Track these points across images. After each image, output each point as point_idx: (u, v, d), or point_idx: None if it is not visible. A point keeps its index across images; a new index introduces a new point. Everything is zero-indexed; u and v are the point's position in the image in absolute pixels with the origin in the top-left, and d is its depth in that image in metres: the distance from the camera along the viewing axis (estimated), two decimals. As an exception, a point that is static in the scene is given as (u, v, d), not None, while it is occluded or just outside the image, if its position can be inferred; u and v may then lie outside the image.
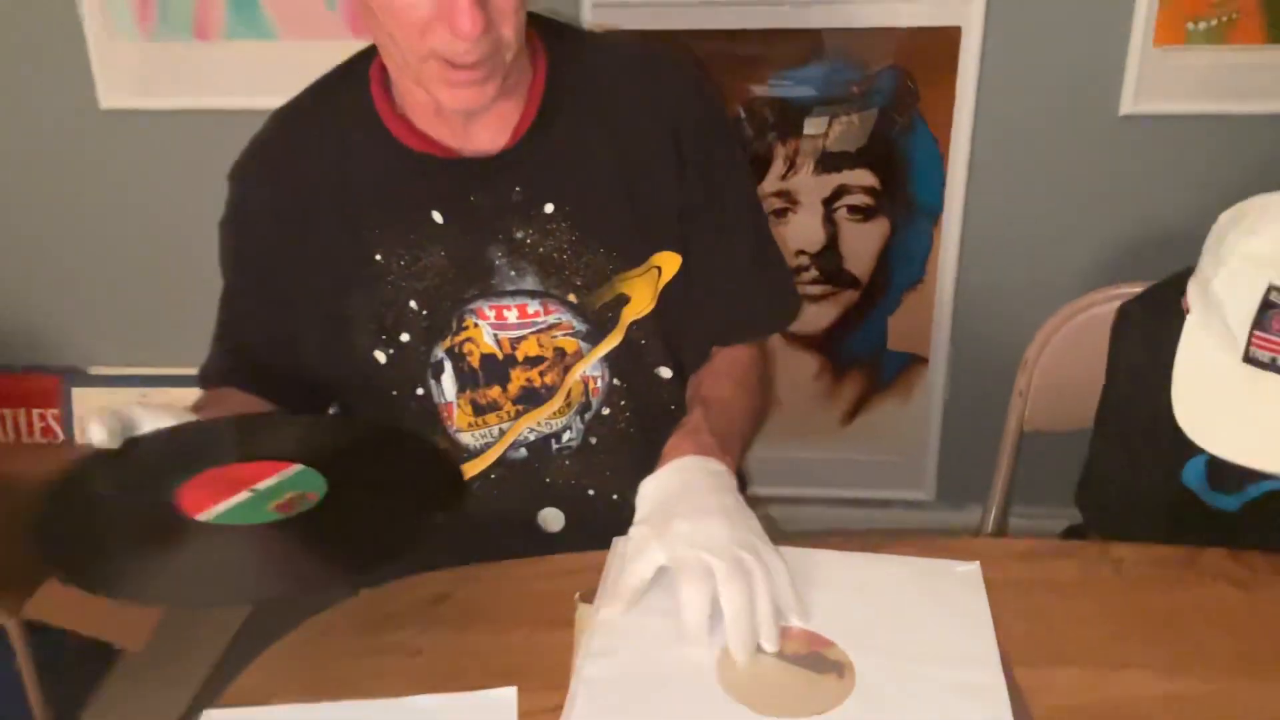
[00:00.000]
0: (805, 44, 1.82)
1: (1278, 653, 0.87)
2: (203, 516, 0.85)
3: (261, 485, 0.89)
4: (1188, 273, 1.05)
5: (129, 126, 1.97)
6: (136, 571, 0.82)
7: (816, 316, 2.03)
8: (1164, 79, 1.80)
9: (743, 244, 1.17)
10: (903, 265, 1.98)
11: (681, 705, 0.81)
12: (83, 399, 2.20)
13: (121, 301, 2.14)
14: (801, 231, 1.96)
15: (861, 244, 1.97)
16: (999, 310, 1.94)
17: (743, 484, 1.04)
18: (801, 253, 1.98)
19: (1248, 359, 0.91)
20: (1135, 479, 1.14)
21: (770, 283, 1.22)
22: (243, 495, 0.87)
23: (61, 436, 2.23)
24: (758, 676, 0.83)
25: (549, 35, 1.10)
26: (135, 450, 0.93)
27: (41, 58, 1.94)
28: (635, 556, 0.89)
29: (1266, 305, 0.89)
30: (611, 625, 0.88)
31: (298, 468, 0.92)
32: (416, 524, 0.88)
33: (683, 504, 0.91)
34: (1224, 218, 0.98)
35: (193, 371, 2.14)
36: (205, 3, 1.85)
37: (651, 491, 0.95)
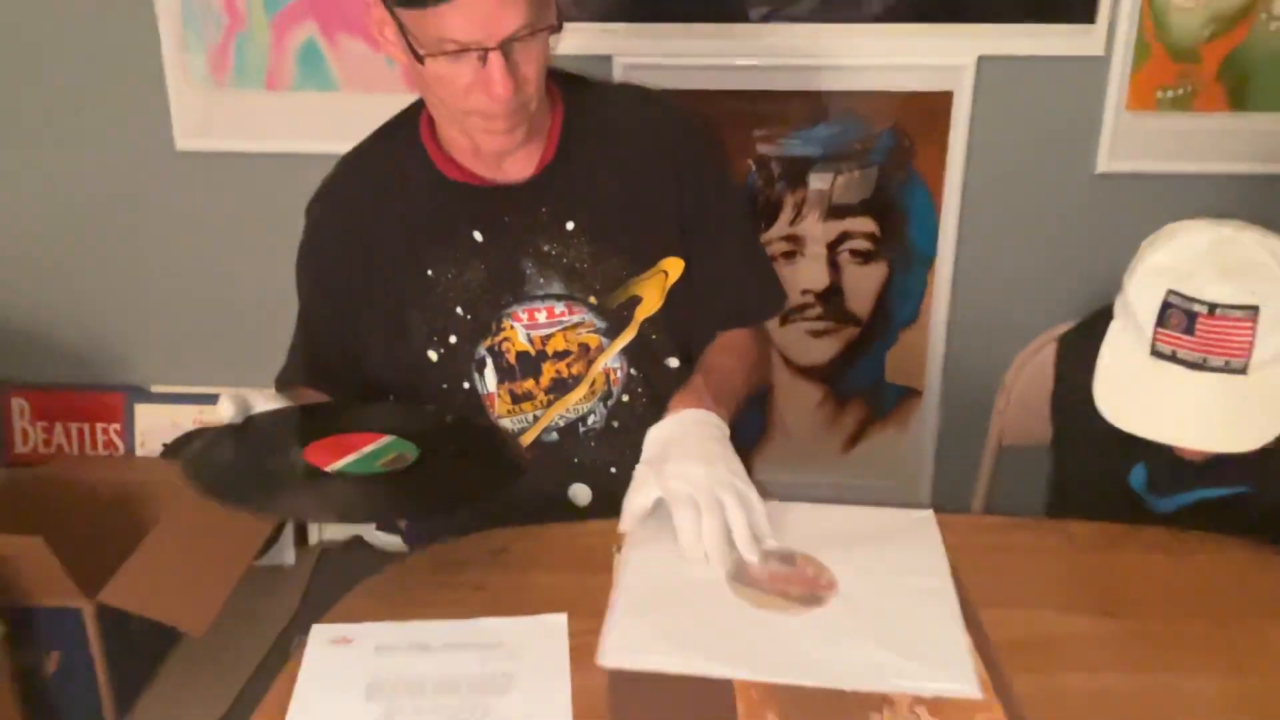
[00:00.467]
0: (813, 105, 2.03)
1: (1197, 603, 1.05)
2: (330, 467, 1.05)
3: (367, 449, 1.09)
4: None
5: (200, 166, 2.16)
6: (291, 500, 1.06)
7: (820, 350, 2.21)
8: (1136, 141, 2.00)
9: (735, 246, 1.39)
10: (899, 305, 2.17)
11: (697, 601, 1.02)
12: (144, 415, 2.37)
13: (183, 325, 2.31)
14: (807, 273, 2.15)
15: (862, 285, 2.15)
16: (987, 347, 2.10)
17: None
18: (807, 292, 2.16)
19: (1153, 353, 1.09)
20: (1088, 486, 1.32)
21: (760, 277, 1.45)
22: (353, 456, 1.08)
23: (122, 449, 2.39)
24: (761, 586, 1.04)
25: (564, 84, 1.32)
26: (257, 423, 1.11)
27: (125, 102, 2.13)
28: (636, 490, 1.11)
29: (1166, 307, 1.08)
30: (642, 549, 1.08)
31: (390, 438, 1.12)
32: (487, 480, 1.10)
33: (677, 448, 1.12)
34: (1144, 242, 1.17)
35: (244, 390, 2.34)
36: (277, 57, 2.06)
37: (654, 436, 1.16)
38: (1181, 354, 1.08)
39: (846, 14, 1.95)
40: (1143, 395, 1.09)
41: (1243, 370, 1.06)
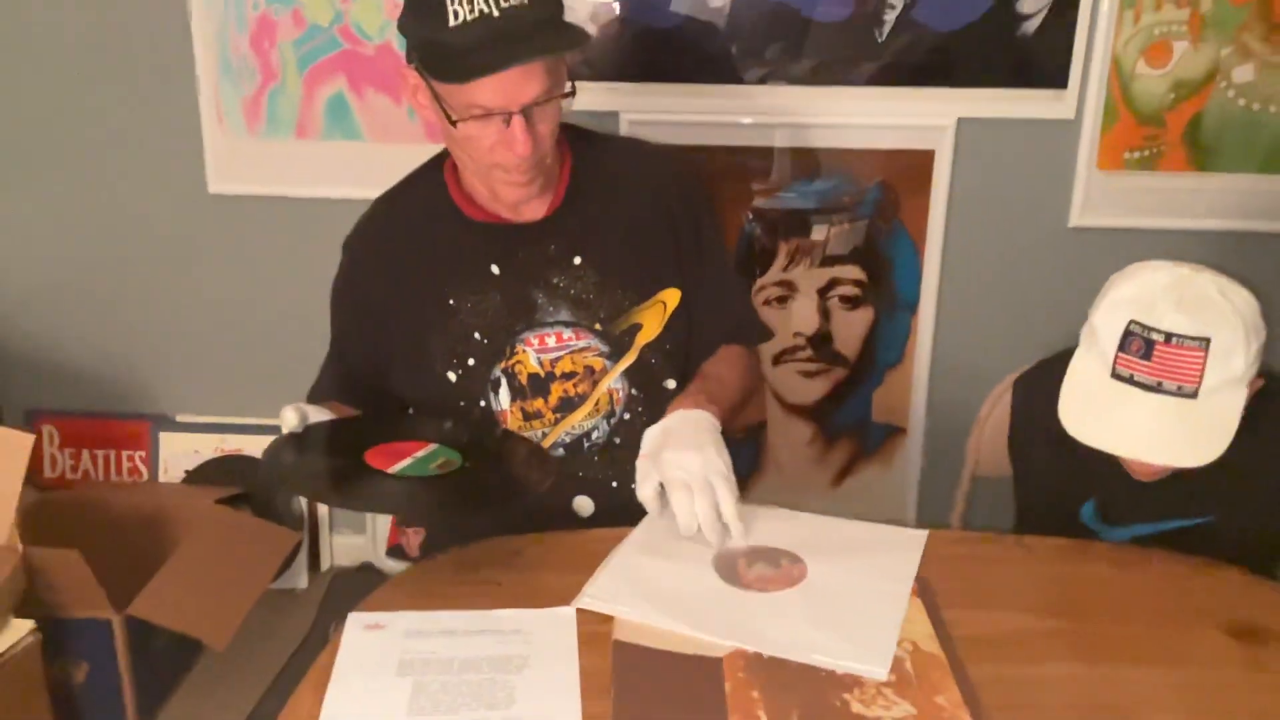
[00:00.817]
0: (806, 161, 2.18)
1: (1136, 607, 1.17)
2: (392, 470, 1.20)
3: (419, 454, 1.25)
4: (1068, 353, 1.35)
5: (231, 209, 2.30)
6: (367, 494, 1.20)
7: (810, 390, 2.34)
8: (1106, 198, 2.15)
9: (724, 279, 1.55)
10: (885, 348, 2.30)
11: (677, 573, 1.17)
12: (168, 443, 2.49)
13: (208, 358, 2.44)
14: (799, 316, 2.28)
15: (850, 329, 2.29)
16: (967, 388, 2.20)
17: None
18: (798, 334, 2.30)
19: (1114, 375, 1.21)
20: (1045, 518, 1.44)
21: (747, 307, 1.63)
22: (408, 460, 1.22)
23: (146, 475, 2.51)
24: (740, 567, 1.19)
25: (572, 137, 1.47)
26: (317, 432, 1.26)
27: (162, 147, 2.27)
28: (641, 483, 1.25)
29: (1127, 334, 1.20)
30: (648, 528, 1.25)
31: (435, 445, 1.27)
32: (527, 481, 1.26)
33: (673, 439, 1.26)
34: (1111, 278, 1.30)
35: (264, 421, 2.47)
36: (307, 108, 2.21)
37: (653, 432, 1.30)
38: (1139, 377, 1.20)
39: (838, 77, 2.10)
40: (1102, 413, 1.21)
41: (1194, 395, 1.18)
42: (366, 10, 2.13)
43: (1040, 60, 2.07)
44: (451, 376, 1.44)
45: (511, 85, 1.25)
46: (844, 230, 2.23)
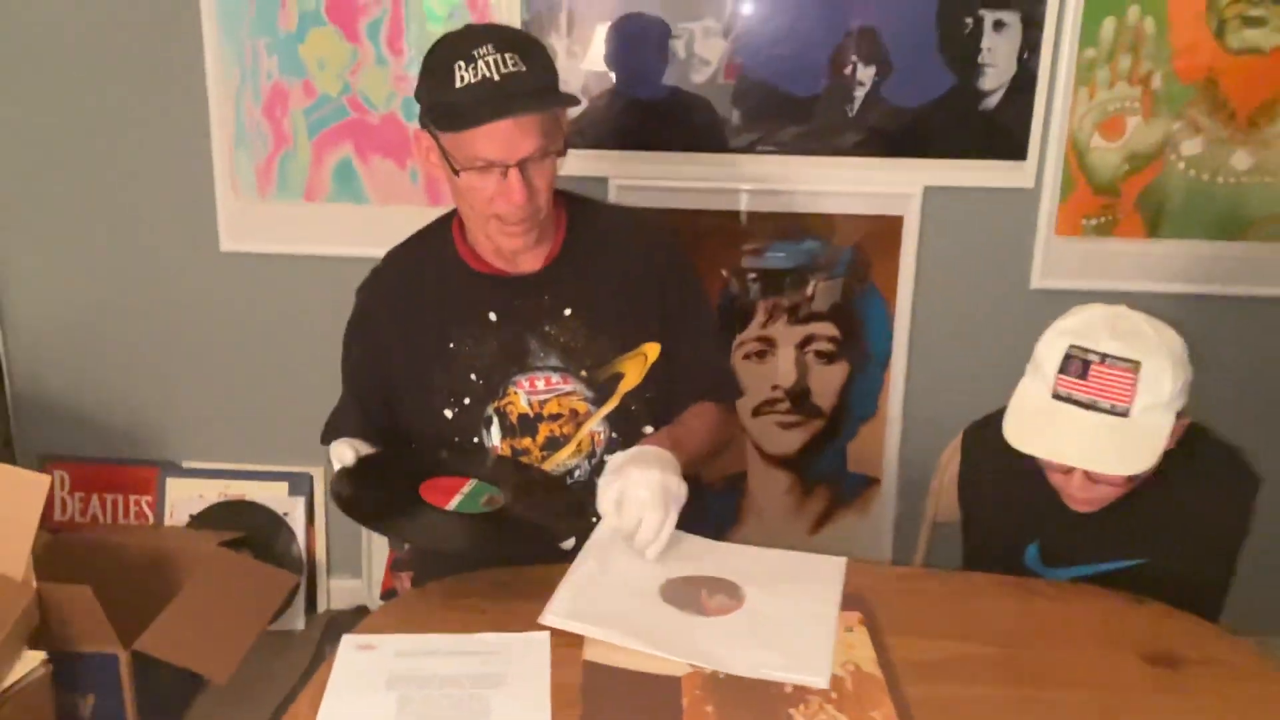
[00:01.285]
0: (784, 225, 2.31)
1: (1066, 636, 1.28)
2: (450, 507, 1.36)
3: (466, 490, 1.41)
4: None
5: (241, 266, 2.44)
6: (433, 530, 1.35)
7: (788, 441, 2.45)
8: (1064, 262, 2.28)
9: (704, 338, 1.66)
10: (859, 401, 2.42)
11: (628, 598, 1.28)
12: (174, 488, 2.60)
13: (215, 407, 2.56)
14: (777, 371, 2.41)
15: (826, 382, 2.41)
16: (938, 439, 2.33)
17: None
18: (777, 387, 2.42)
19: (1054, 395, 1.33)
20: (992, 562, 1.54)
21: (723, 366, 1.74)
22: (460, 497, 1.38)
23: (152, 519, 2.62)
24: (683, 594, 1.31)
25: (569, 201, 1.62)
26: (370, 467, 1.41)
27: (177, 208, 2.42)
28: (602, 491, 1.37)
29: (1067, 358, 1.32)
30: (601, 543, 1.37)
31: (475, 481, 1.42)
32: (571, 513, 1.44)
33: (636, 462, 1.38)
34: (1056, 320, 1.43)
35: (267, 468, 2.58)
36: (316, 174, 2.36)
37: (617, 457, 1.41)
38: (1077, 395, 1.31)
39: (813, 147, 2.24)
40: (1044, 427, 1.33)
41: (1125, 414, 1.29)
42: (373, 82, 2.29)
43: (1001, 133, 2.22)
44: (448, 414, 1.56)
45: (508, 140, 1.40)
46: (820, 289, 2.36)
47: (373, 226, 2.33)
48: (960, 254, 2.31)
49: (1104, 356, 1.30)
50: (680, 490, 1.36)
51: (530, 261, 1.56)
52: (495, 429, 1.56)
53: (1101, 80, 2.19)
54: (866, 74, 2.20)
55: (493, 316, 1.56)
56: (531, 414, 1.55)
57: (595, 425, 1.57)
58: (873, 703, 1.13)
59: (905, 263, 2.32)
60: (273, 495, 2.58)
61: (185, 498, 2.60)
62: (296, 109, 2.31)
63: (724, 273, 2.35)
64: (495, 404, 1.55)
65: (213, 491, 2.59)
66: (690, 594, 1.31)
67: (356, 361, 1.66)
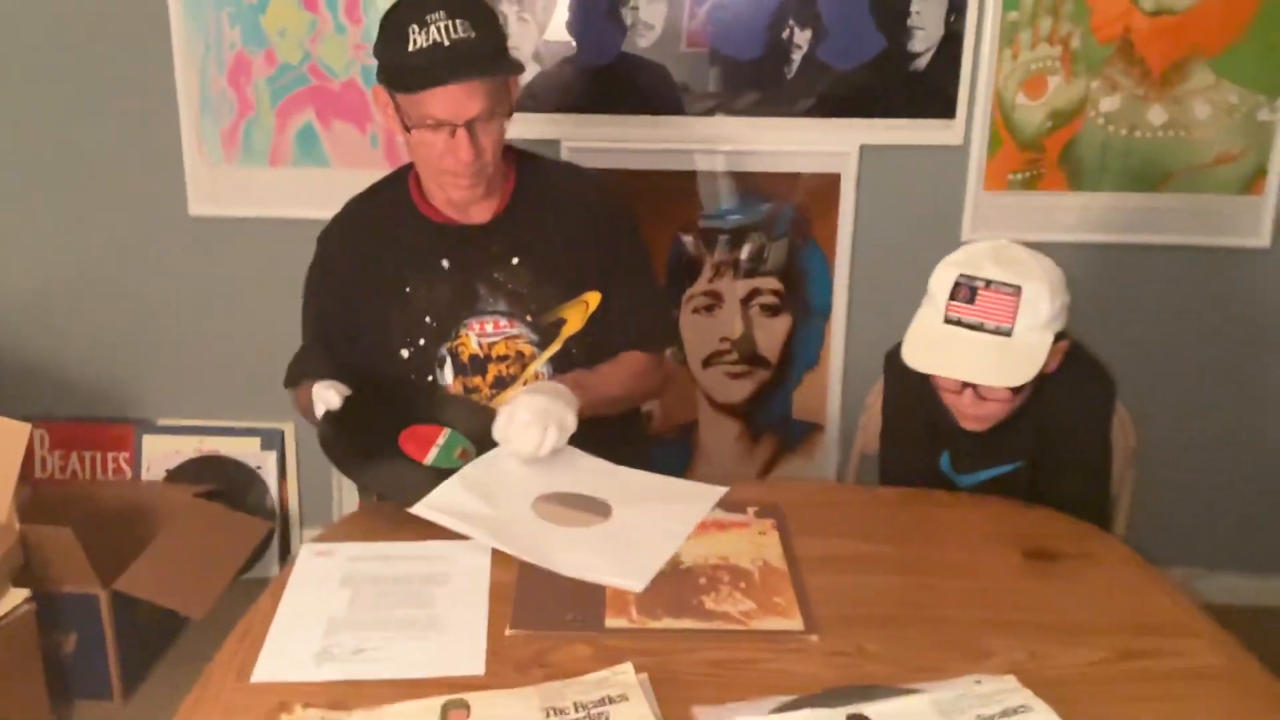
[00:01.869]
0: (728, 184, 2.43)
1: (955, 536, 1.42)
2: (427, 461, 1.47)
3: (440, 442, 1.51)
4: None
5: (210, 229, 2.54)
6: (411, 485, 1.42)
7: (736, 391, 2.58)
8: (992, 215, 2.41)
9: (640, 290, 1.77)
10: (803, 351, 2.55)
11: (500, 504, 1.40)
12: (151, 445, 2.70)
13: (188, 366, 2.66)
14: (724, 324, 2.53)
15: (771, 334, 2.54)
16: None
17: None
18: (724, 339, 2.54)
19: (946, 320, 1.46)
20: (910, 469, 1.69)
21: (658, 316, 1.86)
22: (435, 451, 1.49)
23: (129, 475, 2.72)
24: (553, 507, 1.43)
25: (518, 157, 1.73)
26: (353, 411, 1.50)
27: (147, 173, 2.51)
28: (500, 415, 1.49)
29: (956, 285, 1.46)
30: (484, 462, 1.49)
31: (449, 432, 1.53)
32: None
33: (524, 393, 1.50)
34: None
35: (240, 424, 2.68)
36: (279, 139, 2.46)
37: (517, 393, 1.53)
38: (966, 319, 1.45)
39: (753, 109, 2.36)
40: (937, 347, 1.47)
41: (1009, 334, 1.43)
42: (333, 50, 2.39)
43: (930, 93, 2.34)
44: (404, 353, 1.68)
45: (456, 102, 1.52)
46: (763, 246, 2.48)
47: (335, 189, 2.37)
48: (895, 209, 2.43)
49: (989, 282, 1.43)
50: (566, 418, 1.47)
51: (480, 212, 1.68)
52: (448, 368, 1.68)
53: (1024, 41, 2.31)
54: (803, 37, 2.32)
55: (445, 263, 1.67)
56: (481, 355, 1.67)
57: (539, 366, 1.69)
58: (776, 590, 1.27)
59: (844, 219, 2.44)
60: (245, 450, 2.69)
61: (161, 454, 2.70)
62: (260, 77, 2.41)
63: (673, 231, 2.46)
64: (448, 345, 1.67)
65: (188, 447, 2.70)
66: (558, 509, 1.43)
67: (320, 304, 1.76)
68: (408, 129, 1.56)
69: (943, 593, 1.28)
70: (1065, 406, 1.55)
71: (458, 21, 1.50)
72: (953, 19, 2.30)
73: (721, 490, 1.51)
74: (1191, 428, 2.54)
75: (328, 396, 1.50)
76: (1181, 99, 2.33)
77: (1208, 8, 2.27)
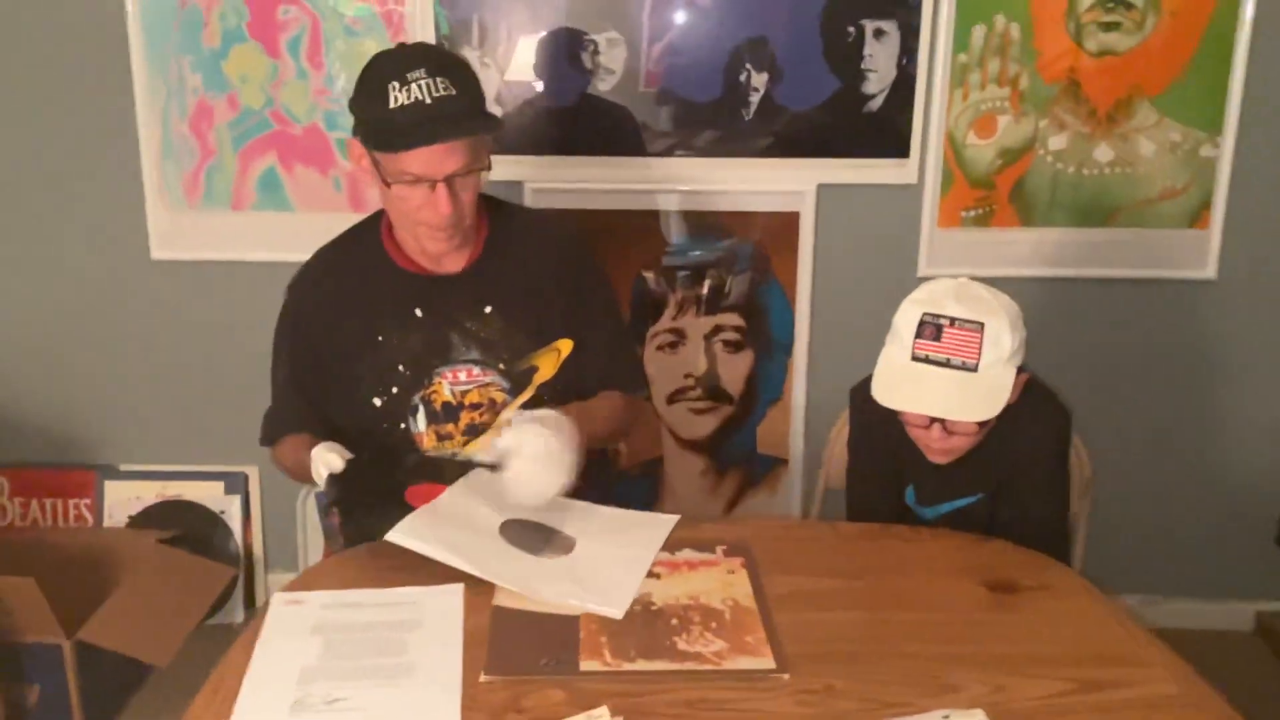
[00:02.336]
0: (689, 223, 2.47)
1: (916, 569, 1.45)
2: None
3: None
4: None
5: (172, 273, 2.54)
6: None
7: (700, 426, 2.61)
8: (947, 251, 2.47)
9: (611, 334, 1.81)
10: (766, 386, 2.59)
11: (470, 532, 1.42)
12: (113, 491, 2.68)
13: (150, 410, 2.65)
14: (688, 360, 2.56)
15: (734, 370, 2.58)
16: (838, 419, 2.51)
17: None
18: (688, 376, 2.58)
19: (913, 358, 1.49)
20: (876, 504, 1.72)
21: (630, 357, 1.89)
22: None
23: (91, 522, 2.70)
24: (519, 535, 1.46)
25: (490, 206, 1.75)
26: (356, 473, 1.50)
27: (108, 218, 2.52)
28: (504, 436, 1.50)
29: (922, 324, 1.50)
30: (472, 483, 1.51)
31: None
32: None
33: (543, 421, 1.50)
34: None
35: (205, 468, 2.67)
36: (241, 184, 2.47)
37: (523, 412, 1.56)
38: (933, 356, 1.49)
39: (713, 150, 2.41)
40: (905, 384, 1.51)
41: (975, 369, 1.48)
42: (295, 95, 2.41)
43: (885, 133, 2.40)
44: (377, 402, 1.68)
45: (436, 158, 1.53)
46: (725, 283, 2.52)
47: (298, 232, 2.43)
48: (853, 246, 2.48)
49: (953, 320, 1.48)
50: (571, 460, 1.48)
51: (453, 262, 1.69)
52: (421, 416, 1.68)
53: (974, 82, 2.38)
54: (760, 80, 2.38)
55: (419, 312, 1.68)
56: (454, 402, 1.68)
57: (511, 414, 1.70)
58: (747, 629, 1.29)
59: (803, 256, 2.49)
60: (209, 494, 2.68)
61: (123, 499, 2.68)
62: (221, 122, 2.42)
63: (636, 270, 2.49)
64: (421, 393, 1.68)
65: (150, 492, 2.68)
66: (525, 536, 1.46)
67: (292, 354, 1.75)
68: (387, 184, 1.57)
69: (908, 627, 1.31)
70: (1023, 437, 1.60)
71: (439, 80, 1.51)
72: (904, 61, 2.36)
73: (673, 519, 1.55)
74: (1143, 456, 2.60)
75: (329, 459, 1.50)
76: (1127, 136, 2.40)
77: (1149, 48, 2.35)
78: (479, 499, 1.50)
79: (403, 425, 1.68)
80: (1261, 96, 2.37)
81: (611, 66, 2.37)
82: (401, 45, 1.67)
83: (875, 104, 2.39)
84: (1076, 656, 1.25)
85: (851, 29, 2.34)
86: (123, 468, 2.68)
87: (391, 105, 1.50)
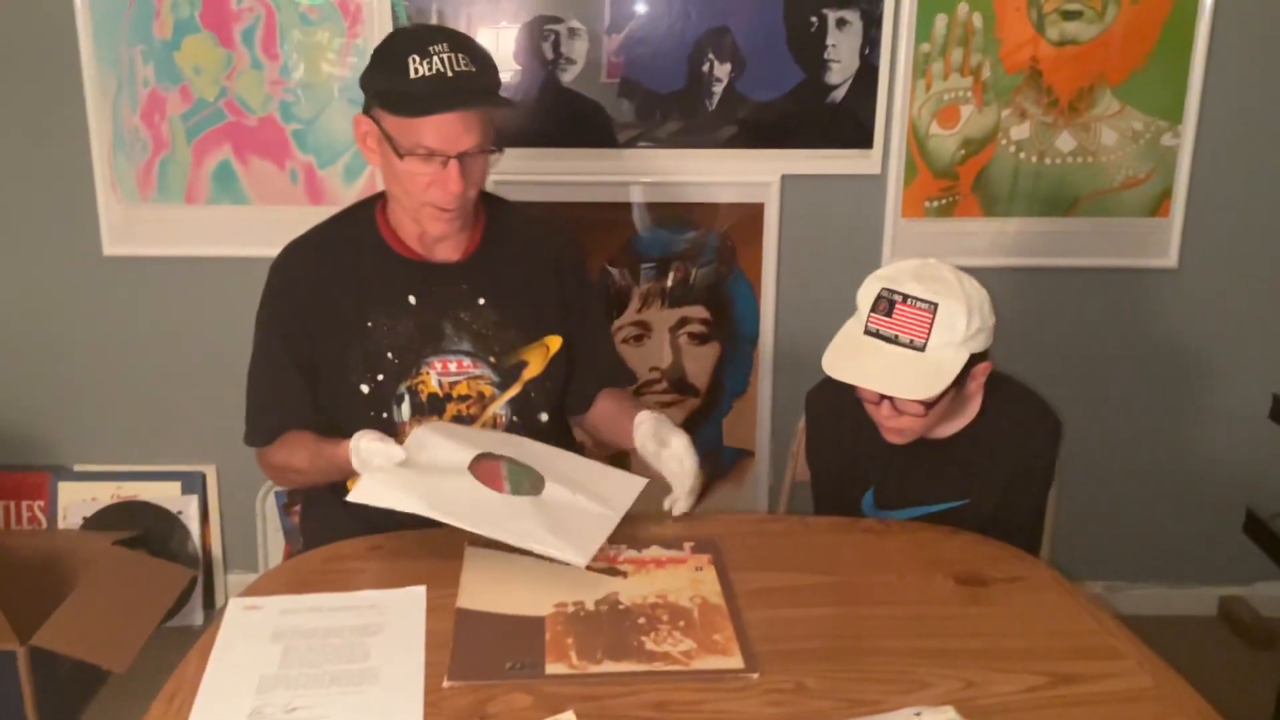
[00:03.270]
0: (655, 214, 2.45)
1: (887, 564, 1.44)
2: (508, 492, 1.43)
3: (505, 473, 1.46)
4: None
5: (125, 269, 2.49)
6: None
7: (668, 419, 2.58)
8: (912, 242, 2.46)
9: (598, 331, 1.82)
10: (732, 379, 2.57)
11: (437, 475, 1.40)
12: (66, 492, 2.62)
13: (104, 409, 2.59)
14: (653, 353, 2.54)
15: (700, 362, 2.56)
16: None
17: None
18: (654, 369, 2.56)
19: (865, 331, 1.50)
20: (835, 507, 1.71)
21: (616, 353, 1.88)
22: (506, 483, 1.44)
23: (45, 524, 2.64)
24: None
25: (488, 200, 1.73)
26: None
27: (59, 214, 2.46)
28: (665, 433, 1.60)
29: (877, 299, 1.49)
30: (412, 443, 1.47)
31: (507, 461, 1.49)
32: None
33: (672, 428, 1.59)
34: None
35: (162, 468, 2.62)
36: (195, 177, 2.42)
37: (652, 422, 1.61)
38: (883, 331, 1.48)
39: (684, 139, 2.38)
40: (853, 357, 1.51)
41: (922, 349, 1.47)
42: (249, 86, 2.36)
43: (849, 124, 2.39)
44: (364, 389, 1.64)
45: (452, 132, 1.51)
46: (690, 274, 2.50)
47: (254, 226, 2.41)
48: (818, 237, 2.47)
49: (906, 297, 1.48)
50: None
51: (447, 251, 1.67)
52: (406, 405, 1.65)
53: (936, 72, 2.37)
54: (723, 70, 2.35)
55: (412, 299, 1.65)
56: (441, 394, 1.66)
57: (498, 408, 1.67)
58: (715, 628, 1.27)
59: (768, 247, 2.47)
60: (166, 494, 2.62)
61: (77, 501, 2.62)
62: (174, 114, 2.37)
63: (601, 262, 2.47)
64: (407, 382, 1.65)
65: (105, 493, 2.62)
66: (493, 472, 1.45)
67: (284, 337, 1.67)
68: (400, 155, 1.53)
69: (879, 623, 1.30)
70: (1008, 444, 1.59)
71: (459, 55, 1.51)
72: (867, 51, 2.35)
73: (643, 481, 1.55)
74: (1107, 444, 2.61)
75: (387, 450, 1.44)
76: (1088, 126, 2.40)
77: (1110, 37, 2.35)
78: (447, 436, 1.48)
79: (385, 414, 1.64)
80: (1221, 86, 2.38)
81: (573, 57, 2.34)
82: (419, 25, 1.68)
83: (838, 94, 2.38)
84: (1048, 650, 1.24)
85: (814, 19, 2.33)
86: (77, 468, 2.63)
87: (412, 76, 1.49)
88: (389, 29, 2.29)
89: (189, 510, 2.62)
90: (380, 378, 1.64)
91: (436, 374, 1.65)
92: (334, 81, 2.36)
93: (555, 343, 1.70)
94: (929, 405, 1.50)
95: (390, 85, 1.52)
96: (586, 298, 1.80)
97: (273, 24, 2.32)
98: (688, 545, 1.47)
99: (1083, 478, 2.44)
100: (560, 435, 1.76)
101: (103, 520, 2.61)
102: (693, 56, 2.34)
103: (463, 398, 1.66)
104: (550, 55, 2.33)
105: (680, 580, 1.38)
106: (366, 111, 1.59)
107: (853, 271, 2.46)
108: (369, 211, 1.70)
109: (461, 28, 2.30)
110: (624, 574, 1.40)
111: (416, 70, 1.49)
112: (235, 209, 2.43)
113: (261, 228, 2.40)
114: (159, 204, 2.43)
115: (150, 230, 2.45)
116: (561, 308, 1.73)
